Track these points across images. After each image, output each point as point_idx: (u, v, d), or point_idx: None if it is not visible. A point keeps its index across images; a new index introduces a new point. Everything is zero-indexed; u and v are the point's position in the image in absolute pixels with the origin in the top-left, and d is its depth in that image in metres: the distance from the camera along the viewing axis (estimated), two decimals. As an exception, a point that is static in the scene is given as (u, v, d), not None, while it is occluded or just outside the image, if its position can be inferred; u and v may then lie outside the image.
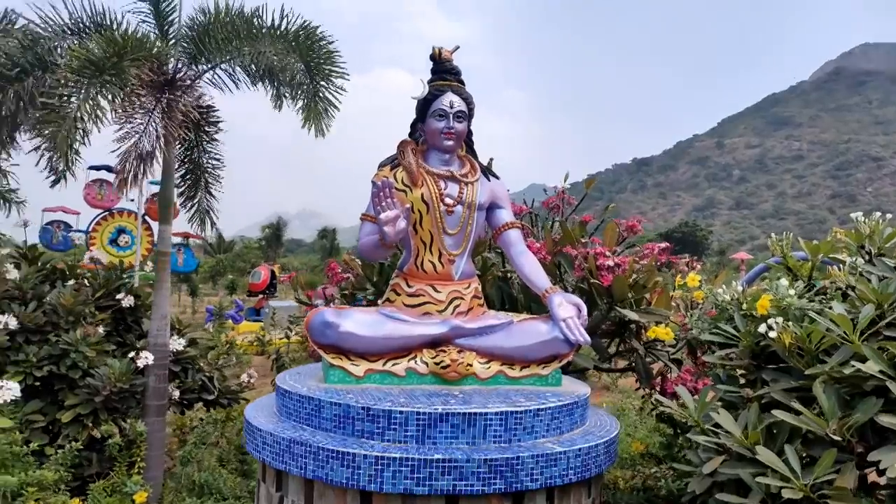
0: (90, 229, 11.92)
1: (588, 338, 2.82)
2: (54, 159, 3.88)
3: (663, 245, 4.28)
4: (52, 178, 4.14)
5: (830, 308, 2.40)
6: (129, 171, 3.80)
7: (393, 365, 2.79)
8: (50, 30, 4.12)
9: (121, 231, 12.09)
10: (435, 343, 2.85)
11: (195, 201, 4.80)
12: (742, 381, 2.78)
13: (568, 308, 2.85)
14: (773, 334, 2.39)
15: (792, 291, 2.60)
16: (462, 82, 3.10)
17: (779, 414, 2.03)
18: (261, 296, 17.06)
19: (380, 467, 2.22)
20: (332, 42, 4.55)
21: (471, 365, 2.81)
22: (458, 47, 3.13)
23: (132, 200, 11.43)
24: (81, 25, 4.17)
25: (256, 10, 4.41)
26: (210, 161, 4.87)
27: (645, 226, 4.59)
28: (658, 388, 3.78)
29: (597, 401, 7.39)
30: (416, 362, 2.81)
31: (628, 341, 3.96)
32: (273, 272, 17.70)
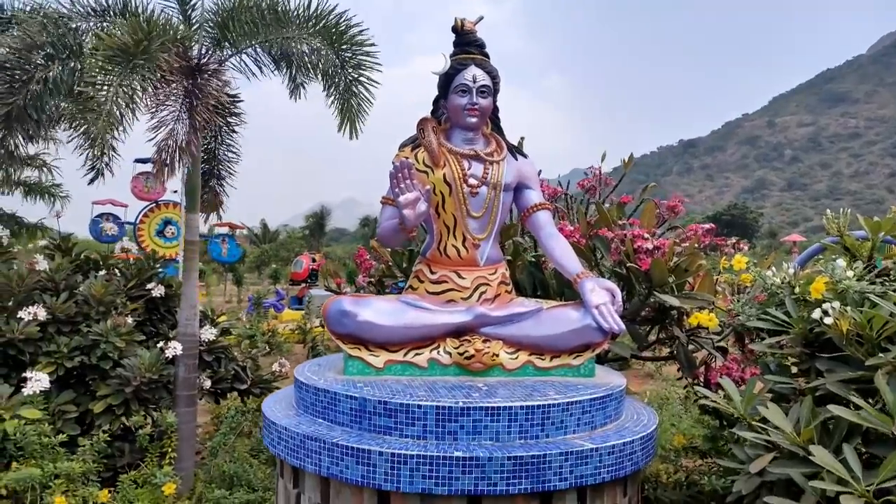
0: (137, 221, 12.17)
1: (623, 325, 2.62)
2: (91, 153, 3.86)
3: (707, 226, 4.04)
4: (91, 174, 4.14)
5: (895, 291, 2.17)
6: (166, 159, 3.74)
7: (414, 355, 2.65)
8: (76, 12, 4.08)
9: (167, 222, 12.31)
10: (459, 332, 2.69)
11: (205, 191, 4.73)
12: (794, 370, 2.57)
13: (601, 294, 2.65)
14: (829, 320, 2.19)
15: (850, 273, 2.38)
16: (486, 55, 2.91)
17: (835, 409, 1.83)
18: (303, 284, 17.20)
19: (396, 465, 2.08)
20: (365, 30, 4.40)
21: (497, 355, 2.65)
22: (481, 17, 2.95)
23: (175, 192, 11.61)
24: (106, 6, 4.12)
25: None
26: (227, 153, 4.80)
27: (691, 208, 4.35)
28: (702, 378, 3.56)
29: (639, 389, 7.15)
30: (438, 352, 2.66)
31: (669, 328, 3.74)
32: (313, 259, 17.83)
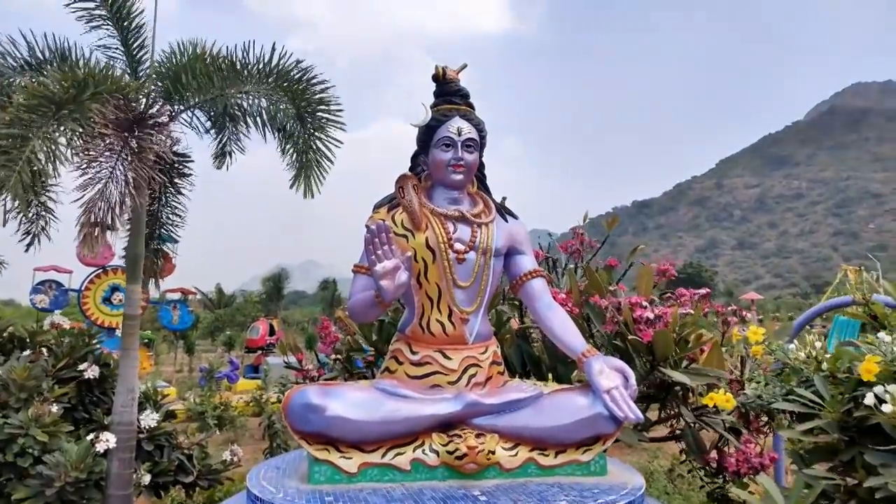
0: (83, 288, 11.41)
1: (640, 414, 2.23)
2: (23, 217, 3.44)
3: (703, 291, 3.74)
4: (27, 238, 3.72)
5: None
6: (94, 222, 3.29)
7: (395, 456, 2.19)
8: (7, 66, 3.68)
9: (114, 289, 11.59)
10: (447, 425, 2.26)
11: (153, 255, 4.26)
12: (821, 454, 2.26)
13: (612, 376, 2.27)
14: (887, 408, 1.86)
15: (898, 349, 2.07)
16: (471, 106, 2.60)
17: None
18: (259, 352, 16.42)
19: None
20: (330, 87, 4.07)
21: (493, 452, 2.21)
22: (465, 65, 2.65)
23: (124, 257, 10.94)
24: (42, 59, 3.73)
25: (240, 46, 3.97)
26: (170, 216, 4.35)
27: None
28: (714, 464, 3.18)
29: (620, 460, 6.70)
30: (423, 451, 2.21)
31: (673, 406, 3.37)
32: (272, 326, 17.09)
